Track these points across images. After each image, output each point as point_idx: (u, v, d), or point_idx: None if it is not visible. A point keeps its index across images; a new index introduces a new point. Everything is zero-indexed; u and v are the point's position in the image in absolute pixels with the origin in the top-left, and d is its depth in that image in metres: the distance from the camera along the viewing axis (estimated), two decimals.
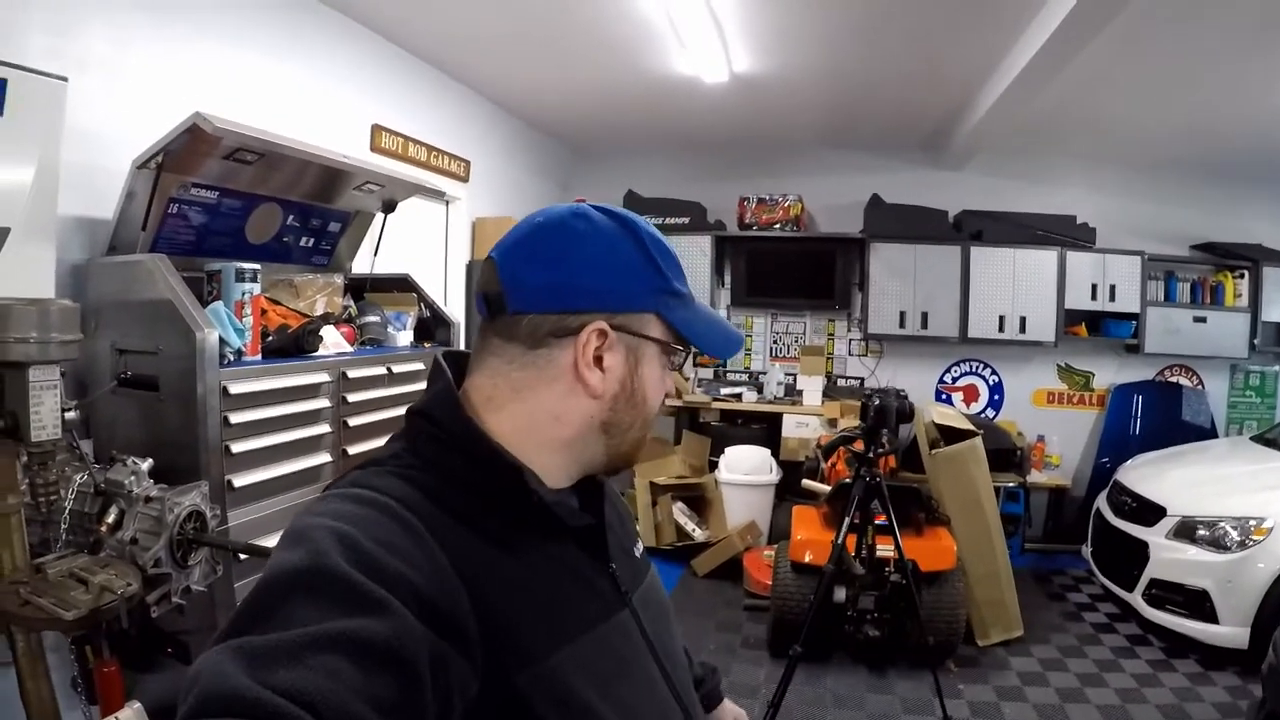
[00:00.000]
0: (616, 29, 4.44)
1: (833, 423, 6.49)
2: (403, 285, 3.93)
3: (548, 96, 5.91)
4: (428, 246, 5.50)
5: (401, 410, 1.03)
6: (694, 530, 6.00)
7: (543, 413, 0.99)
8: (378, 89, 4.63)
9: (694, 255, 7.00)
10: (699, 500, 6.22)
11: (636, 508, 6.03)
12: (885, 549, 4.14)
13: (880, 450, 3.86)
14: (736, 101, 5.72)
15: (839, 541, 3.74)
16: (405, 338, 3.67)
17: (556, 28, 4.47)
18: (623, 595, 1.05)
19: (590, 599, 1.00)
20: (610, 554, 1.06)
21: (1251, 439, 6.06)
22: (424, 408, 1.00)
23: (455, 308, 5.49)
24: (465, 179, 5.66)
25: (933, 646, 4.06)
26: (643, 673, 1.04)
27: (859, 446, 4.23)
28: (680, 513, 6.06)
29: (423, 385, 1.34)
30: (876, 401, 3.95)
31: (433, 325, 3.90)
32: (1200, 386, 7.14)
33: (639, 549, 1.20)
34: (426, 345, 3.76)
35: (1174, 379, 7.14)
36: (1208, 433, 6.87)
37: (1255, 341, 6.78)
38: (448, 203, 5.67)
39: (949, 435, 4.97)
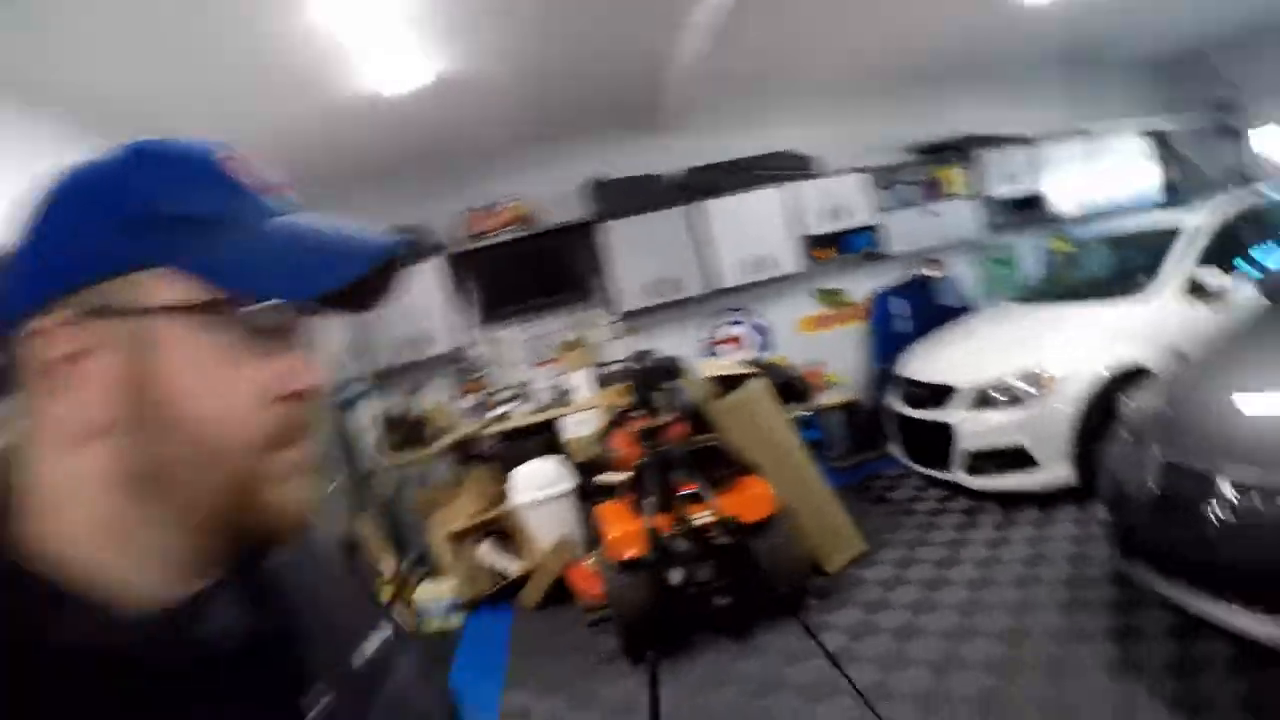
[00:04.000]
0: (283, 51, 3.95)
1: (612, 410, 6.28)
2: None
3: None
4: None
5: None
6: (507, 567, 5.62)
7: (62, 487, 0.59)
8: None
9: (430, 287, 6.57)
10: (504, 532, 5.83)
11: (442, 562, 5.58)
12: (702, 516, 3.97)
13: (659, 416, 3.68)
14: (434, 111, 5.36)
15: (649, 525, 3.52)
16: None
17: (211, 61, 3.84)
18: None
19: None
20: (305, 682, 0.68)
21: (1009, 300, 6.55)
22: None
23: None
24: None
25: (786, 593, 3.94)
26: None
27: (642, 423, 4.03)
28: (488, 552, 5.65)
29: None
30: (636, 368, 3.85)
31: None
32: (950, 275, 7.63)
33: (376, 642, 0.80)
34: None
35: (925, 272, 7.55)
36: (968, 311, 7.24)
37: (990, 220, 7.47)
38: None
39: (727, 385, 4.88)
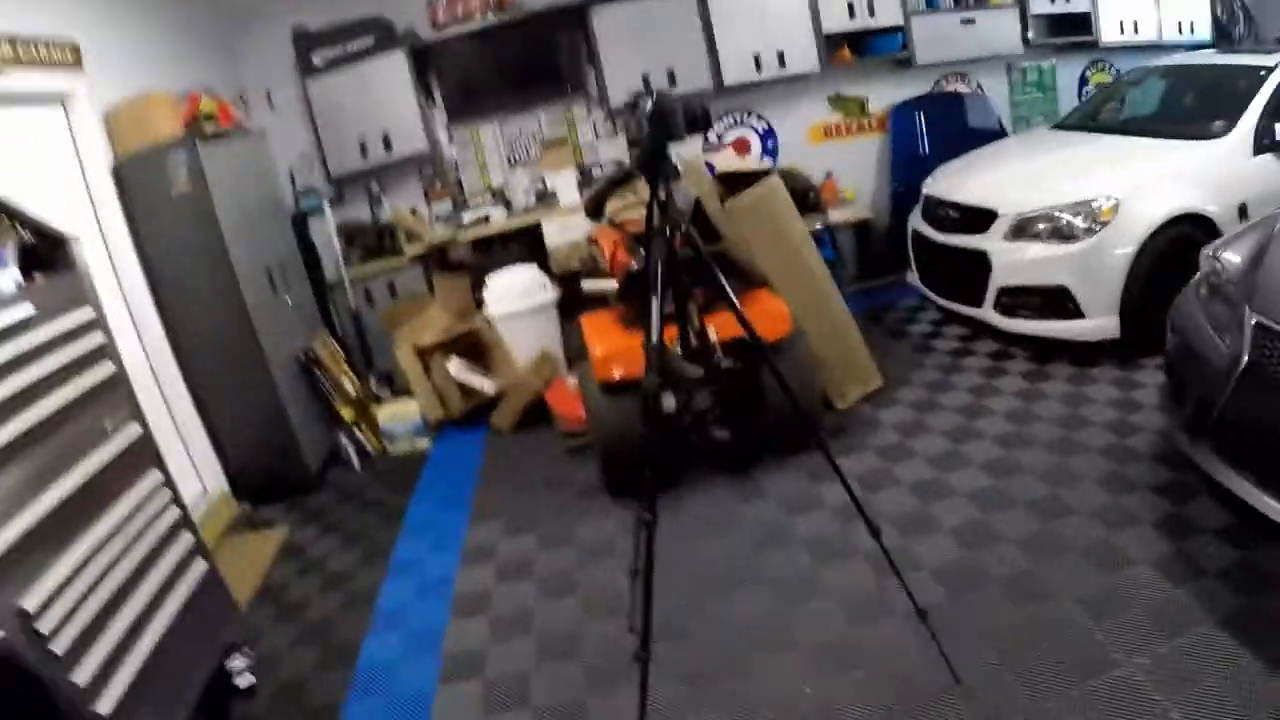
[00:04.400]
0: None
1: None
2: None
3: None
4: (50, 162, 3.87)
5: None
6: (482, 384, 5.04)
7: None
8: None
9: (393, 83, 5.73)
10: (477, 347, 5.23)
11: (409, 379, 5.00)
12: (703, 334, 3.32)
13: (666, 183, 2.30)
14: None
15: (654, 341, 2.60)
16: (8, 279, 2.39)
17: None
18: None
19: None
20: None
21: (1054, 127, 5.78)
22: None
23: (108, 226, 4.08)
24: (76, 65, 3.94)
25: (796, 429, 3.37)
26: None
27: (637, 223, 3.33)
28: (460, 370, 5.06)
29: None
30: (647, 105, 2.20)
31: (44, 249, 2.60)
32: (981, 91, 6.82)
33: None
34: (38, 278, 2.49)
35: (952, 88, 6.77)
36: (998, 135, 6.55)
37: (1029, 36, 6.64)
38: (62, 103, 3.95)
39: (735, 185, 4.17)
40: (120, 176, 4.11)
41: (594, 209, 2.52)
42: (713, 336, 3.18)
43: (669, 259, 2.20)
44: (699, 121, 2.22)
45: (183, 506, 2.78)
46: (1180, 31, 7.07)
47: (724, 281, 2.28)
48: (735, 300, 2.27)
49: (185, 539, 2.73)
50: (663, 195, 2.20)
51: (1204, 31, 7.10)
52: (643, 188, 2.28)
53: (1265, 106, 4.31)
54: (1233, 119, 4.37)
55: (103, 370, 2.52)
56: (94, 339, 2.53)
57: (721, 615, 2.89)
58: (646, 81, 4.99)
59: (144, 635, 2.35)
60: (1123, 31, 6.87)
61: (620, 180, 2.53)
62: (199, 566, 2.76)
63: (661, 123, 2.16)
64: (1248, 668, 2.20)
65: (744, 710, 2.43)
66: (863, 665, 2.52)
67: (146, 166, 4.06)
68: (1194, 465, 2.85)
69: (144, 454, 2.64)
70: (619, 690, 2.58)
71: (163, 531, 2.60)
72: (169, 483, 2.72)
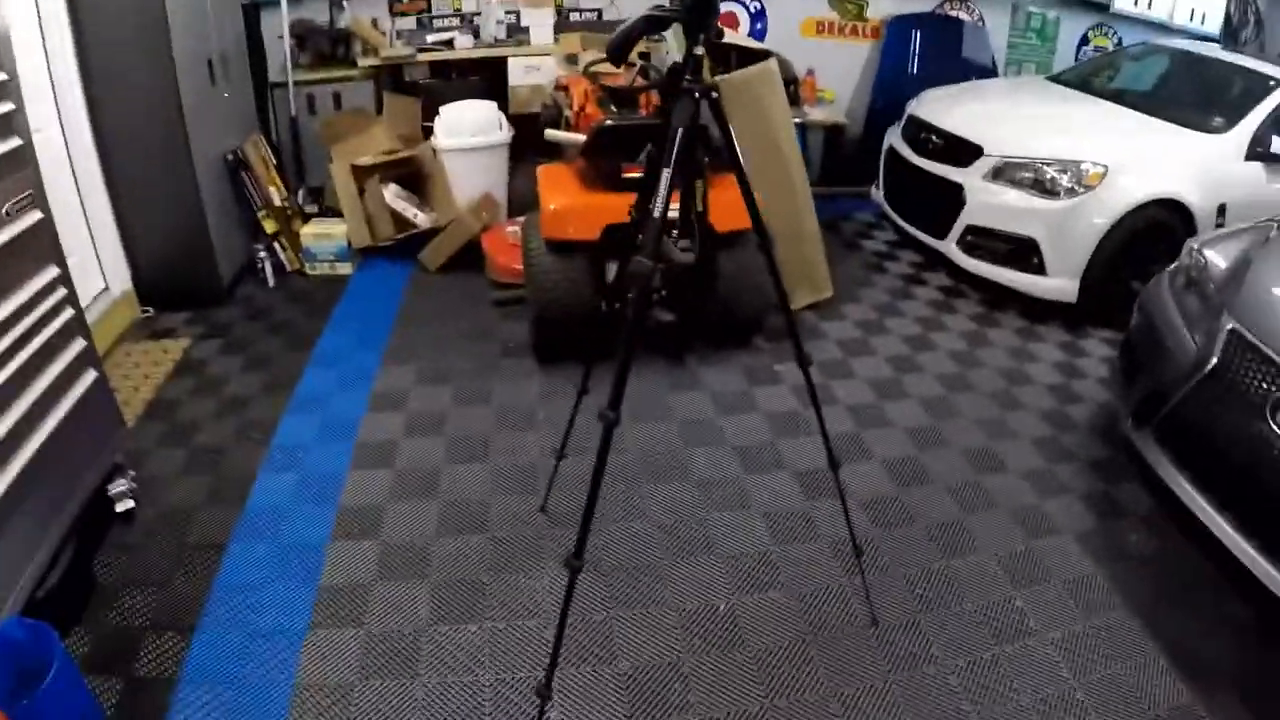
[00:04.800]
0: None
1: (571, 59, 5.19)
2: None
3: None
4: None
5: None
6: (416, 216, 4.74)
7: None
8: None
9: None
10: (416, 178, 4.88)
11: (340, 199, 4.66)
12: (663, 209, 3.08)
13: (707, 38, 1.92)
14: None
15: (657, 217, 1.86)
16: None
17: None
18: None
19: None
20: None
21: (1049, 79, 5.59)
22: None
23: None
24: None
25: (739, 321, 3.22)
26: None
27: (618, 79, 3.06)
28: (396, 197, 4.74)
29: None
30: None
31: None
32: (982, 23, 6.56)
33: None
34: None
35: (954, 13, 6.50)
36: (988, 72, 6.44)
37: None
38: None
39: (727, 59, 3.90)
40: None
41: (618, 53, 2.05)
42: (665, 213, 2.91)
43: (690, 128, 1.89)
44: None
45: (78, 308, 2.47)
46: (1191, 19, 6.94)
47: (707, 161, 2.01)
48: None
49: (77, 344, 2.43)
50: (699, 52, 1.87)
51: (1214, 25, 6.95)
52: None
53: (1269, 116, 4.22)
54: (1233, 119, 4.28)
55: (7, 143, 2.16)
56: None
57: (643, 510, 2.78)
58: None
59: (23, 445, 2.09)
60: (1136, 3, 6.73)
61: (655, 27, 1.99)
62: (88, 376, 2.47)
63: None
64: (1154, 662, 2.22)
65: (653, 616, 2.35)
66: (779, 585, 2.47)
67: None
68: (1132, 449, 2.84)
69: (42, 245, 2.30)
70: (522, 571, 2.48)
71: (53, 333, 2.29)
72: (66, 280, 2.40)
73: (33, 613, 1.98)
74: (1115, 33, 6.86)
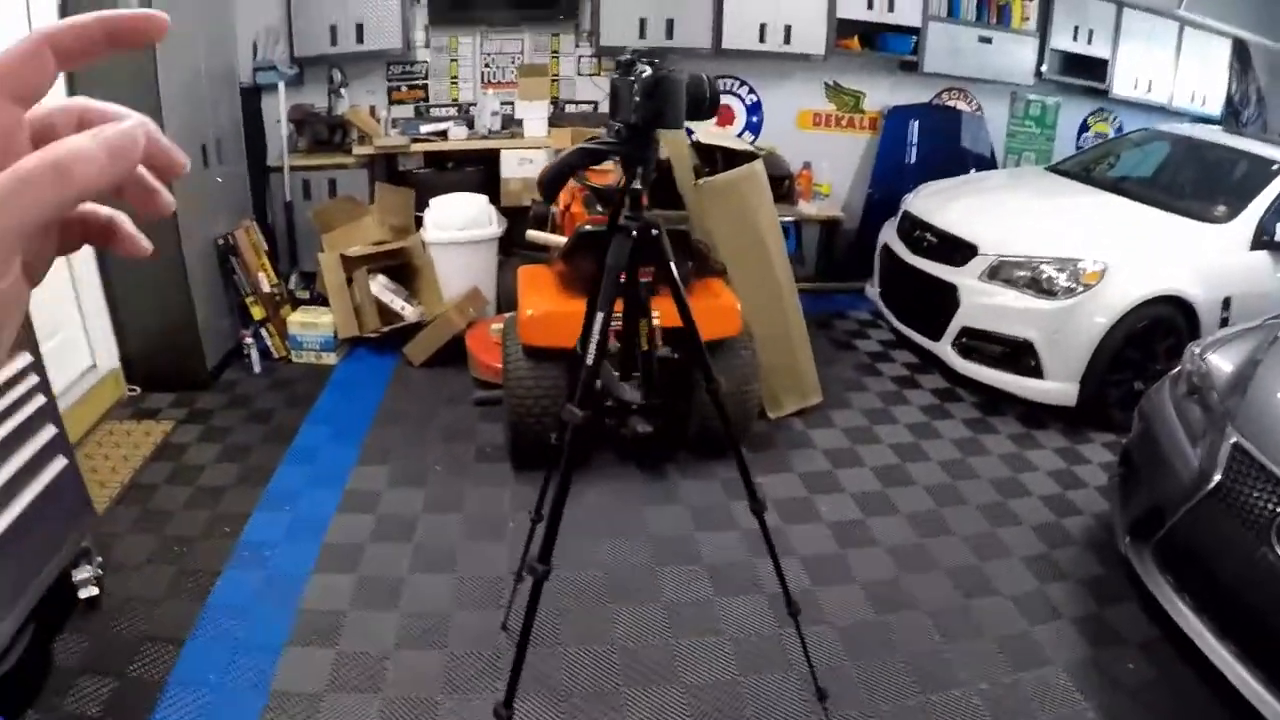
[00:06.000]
0: None
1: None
2: None
3: None
4: None
5: None
6: (403, 308, 4.70)
7: None
8: None
9: None
10: (406, 269, 4.87)
11: (328, 290, 4.64)
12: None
13: (645, 174, 1.85)
14: None
15: (591, 365, 1.86)
16: None
17: None
18: None
19: None
20: None
21: (1047, 169, 5.58)
22: None
23: None
24: None
25: (724, 436, 3.13)
26: None
27: (607, 177, 3.03)
28: (384, 288, 4.72)
29: None
30: (645, 73, 1.69)
31: None
32: (980, 113, 6.55)
33: None
34: None
35: (952, 103, 6.49)
36: (987, 162, 6.40)
37: (1042, 69, 6.41)
38: None
39: (714, 159, 3.90)
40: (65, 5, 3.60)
41: (550, 190, 1.96)
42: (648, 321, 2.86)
43: (630, 264, 1.83)
44: (704, 109, 1.71)
45: (50, 395, 2.45)
46: (1192, 101, 6.94)
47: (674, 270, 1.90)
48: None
49: (48, 430, 2.40)
50: (638, 187, 1.77)
51: (1214, 107, 6.93)
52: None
53: (1272, 203, 4.15)
54: (1236, 208, 4.22)
55: None
56: None
57: (604, 635, 2.66)
58: (643, 26, 4.62)
59: None
60: (1136, 87, 6.68)
61: (588, 162, 1.92)
62: (58, 463, 2.43)
63: (659, 102, 1.65)
64: None
65: None
66: None
67: None
68: (1128, 567, 2.71)
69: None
70: (476, 692, 2.38)
71: (23, 420, 2.28)
72: (39, 367, 2.39)
73: None
74: (1116, 117, 6.86)
